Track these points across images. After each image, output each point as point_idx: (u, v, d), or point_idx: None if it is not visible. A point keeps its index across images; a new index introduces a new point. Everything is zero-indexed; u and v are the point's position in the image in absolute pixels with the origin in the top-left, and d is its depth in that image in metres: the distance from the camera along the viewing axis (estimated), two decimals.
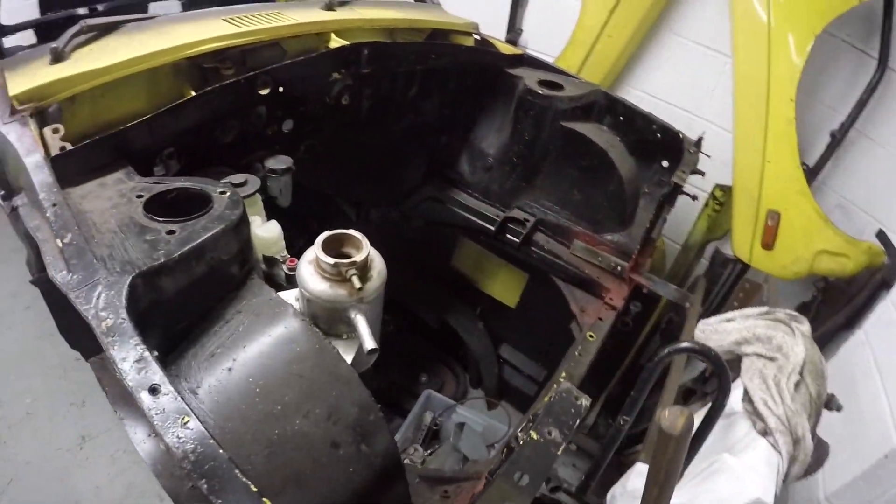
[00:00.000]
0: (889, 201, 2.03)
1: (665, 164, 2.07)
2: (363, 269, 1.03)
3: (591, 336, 1.75)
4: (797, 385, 1.25)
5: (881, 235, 1.97)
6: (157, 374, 0.79)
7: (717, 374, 1.16)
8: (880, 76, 1.92)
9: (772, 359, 1.32)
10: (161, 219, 1.04)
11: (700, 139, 1.98)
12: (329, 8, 1.84)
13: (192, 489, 0.77)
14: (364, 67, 1.70)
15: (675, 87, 2.50)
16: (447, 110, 2.15)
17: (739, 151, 2.17)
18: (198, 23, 1.61)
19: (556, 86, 2.07)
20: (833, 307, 2.09)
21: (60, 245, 1.00)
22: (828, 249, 2.02)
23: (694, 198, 1.93)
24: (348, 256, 1.03)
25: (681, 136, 2.01)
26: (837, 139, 2.06)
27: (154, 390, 0.77)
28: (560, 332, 1.98)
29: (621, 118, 2.10)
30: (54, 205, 1.07)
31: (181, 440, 0.73)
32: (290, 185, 1.60)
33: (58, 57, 1.37)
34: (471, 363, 2.74)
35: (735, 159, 2.19)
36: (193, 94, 1.46)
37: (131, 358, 0.80)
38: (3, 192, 1.36)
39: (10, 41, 2.37)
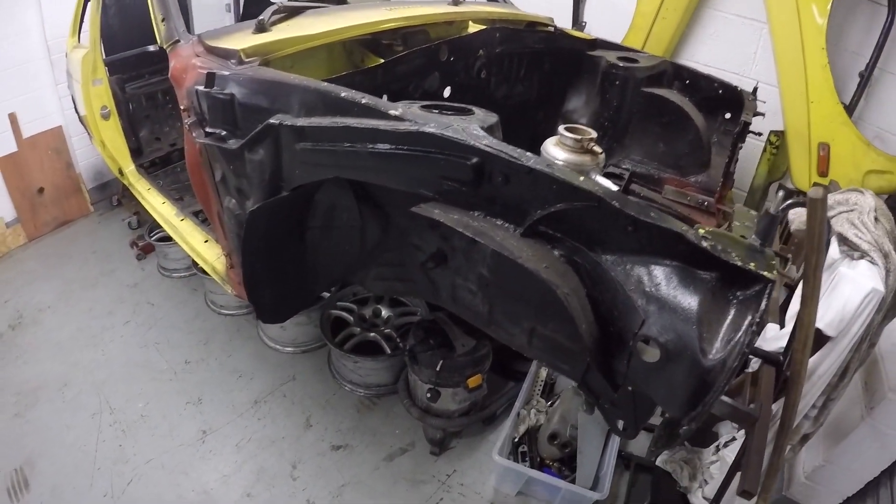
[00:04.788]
0: None
1: (727, 115, 2.96)
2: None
3: None
4: (875, 220, 2.09)
5: None
6: None
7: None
8: (892, 20, 2.89)
9: (851, 210, 2.16)
10: None
11: (755, 88, 2.89)
12: (455, 3, 2.72)
13: None
14: (497, 47, 2.57)
15: (721, 54, 3.51)
16: (544, 89, 3.04)
17: (786, 98, 3.10)
18: (367, 10, 2.46)
19: (632, 60, 2.99)
20: None
21: None
22: (874, 169, 2.92)
23: (759, 134, 2.83)
24: None
25: (738, 89, 2.91)
26: (865, 78, 3.01)
27: None
28: None
29: (687, 81, 3.01)
30: None
31: None
32: None
33: (261, 28, 2.17)
34: None
35: (784, 106, 3.13)
36: (381, 60, 2.25)
37: None
38: (225, 132, 1.96)
39: None
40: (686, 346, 1.29)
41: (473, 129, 1.44)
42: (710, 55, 3.54)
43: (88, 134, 3.84)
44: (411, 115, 1.52)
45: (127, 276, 4.03)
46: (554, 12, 3.22)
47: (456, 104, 1.71)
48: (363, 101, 1.59)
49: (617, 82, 2.96)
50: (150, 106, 4.12)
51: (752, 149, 3.09)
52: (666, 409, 1.45)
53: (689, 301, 1.31)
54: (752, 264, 1.25)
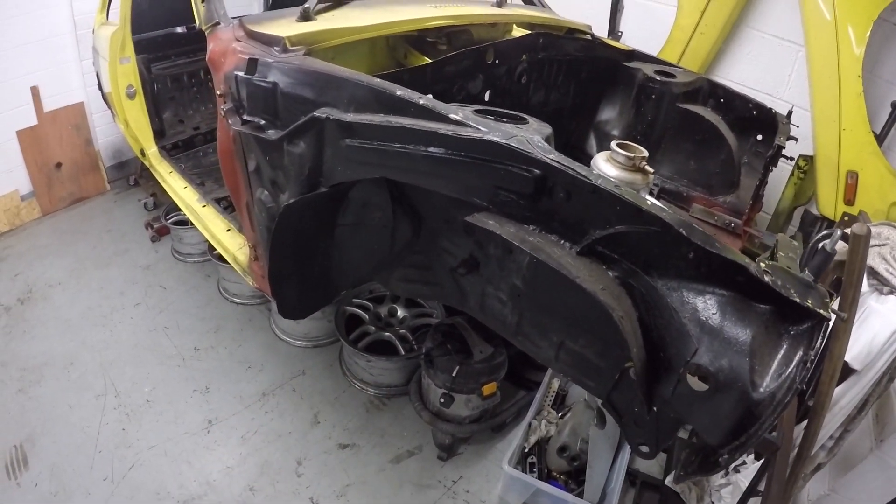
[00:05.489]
0: None
1: (759, 137, 2.93)
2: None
3: None
4: None
5: None
6: None
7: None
8: None
9: (883, 244, 2.14)
10: None
11: (790, 112, 2.85)
12: (499, 5, 2.68)
13: None
14: (540, 53, 2.52)
15: (756, 74, 3.47)
16: (578, 98, 3.00)
17: (818, 123, 3.07)
18: (412, 6, 2.42)
19: (668, 74, 2.95)
20: None
21: None
22: None
23: (791, 158, 2.80)
24: None
25: (773, 111, 2.87)
26: None
27: None
28: None
29: (722, 100, 2.97)
30: None
31: None
32: None
33: (306, 17, 2.12)
34: None
35: (815, 131, 3.09)
36: (427, 60, 2.22)
37: None
38: (264, 121, 1.92)
39: None
40: (737, 378, 1.27)
41: (538, 140, 1.40)
42: (744, 74, 3.51)
43: (112, 112, 3.80)
44: (471, 121, 1.48)
45: (140, 257, 3.99)
46: (590, 20, 3.18)
47: (508, 111, 1.67)
48: (421, 101, 1.55)
49: (653, 96, 2.92)
50: (176, 88, 4.08)
51: (778, 172, 3.05)
52: (706, 436, 1.42)
53: (743, 332, 1.28)
54: (810, 301, 1.23)
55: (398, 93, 1.59)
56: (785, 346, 1.28)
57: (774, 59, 3.40)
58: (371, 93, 1.64)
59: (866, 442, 2.42)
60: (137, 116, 3.43)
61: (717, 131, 2.82)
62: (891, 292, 2.06)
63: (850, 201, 3.01)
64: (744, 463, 2.51)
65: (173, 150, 3.80)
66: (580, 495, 2.62)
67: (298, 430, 2.98)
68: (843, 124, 2.97)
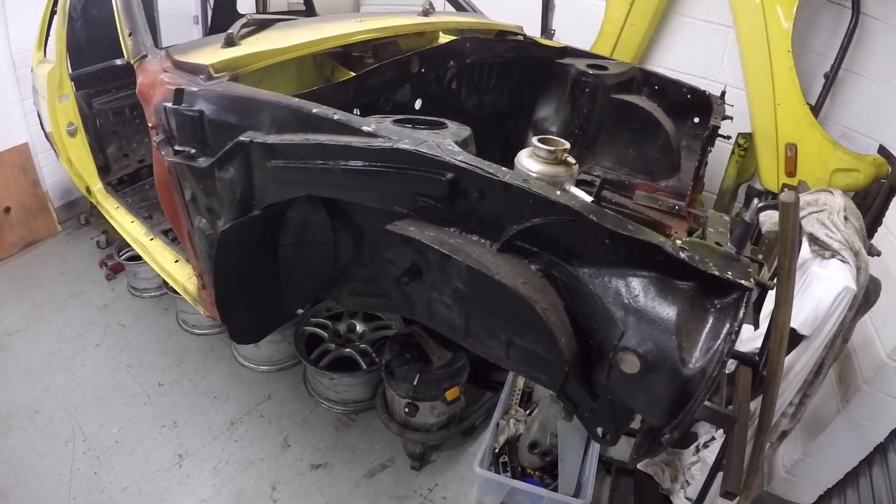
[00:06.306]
0: (882, 121, 3.03)
1: (696, 120, 2.99)
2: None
3: None
4: (845, 219, 2.11)
5: (882, 150, 2.96)
6: None
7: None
8: (855, 21, 2.95)
9: (821, 210, 2.19)
10: None
11: (723, 92, 2.92)
12: (426, 14, 2.70)
13: None
14: (468, 57, 2.55)
15: (689, 59, 3.55)
16: (514, 98, 3.03)
17: (754, 101, 3.14)
18: (337, 23, 2.44)
19: (601, 67, 3.00)
20: None
21: None
22: (841, 167, 2.97)
23: (727, 137, 2.86)
24: None
25: (707, 93, 2.93)
26: (831, 79, 3.06)
27: None
28: None
29: (656, 87, 3.02)
30: None
31: None
32: None
33: (230, 42, 2.12)
34: None
35: (751, 108, 3.17)
36: (352, 73, 2.23)
37: None
38: (194, 150, 1.88)
39: None
40: (666, 357, 1.28)
41: (448, 144, 1.42)
42: (678, 60, 3.58)
43: (55, 151, 3.75)
44: (384, 131, 1.50)
45: (97, 296, 3.94)
46: (523, 20, 3.23)
47: (429, 118, 1.69)
48: (335, 117, 1.56)
49: (587, 90, 2.97)
50: (118, 122, 4.03)
51: (720, 151, 3.13)
52: (647, 418, 1.45)
53: (668, 311, 1.30)
54: (729, 273, 1.25)
55: (314, 110, 1.60)
56: (711, 321, 1.29)
57: (706, 43, 3.48)
58: (290, 113, 1.65)
59: (833, 404, 2.47)
60: (80, 154, 3.39)
61: (652, 118, 2.87)
62: (832, 256, 2.10)
63: (791, 173, 3.08)
64: (713, 438, 2.55)
65: (119, 185, 3.75)
66: (555, 489, 2.63)
67: (270, 456, 2.96)
68: (778, 99, 3.05)
